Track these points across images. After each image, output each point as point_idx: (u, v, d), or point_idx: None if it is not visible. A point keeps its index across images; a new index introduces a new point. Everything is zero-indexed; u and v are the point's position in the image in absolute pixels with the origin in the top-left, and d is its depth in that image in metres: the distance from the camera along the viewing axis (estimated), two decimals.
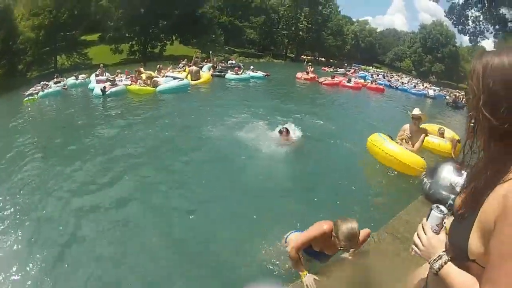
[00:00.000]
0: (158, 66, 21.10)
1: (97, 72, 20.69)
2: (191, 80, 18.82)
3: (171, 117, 11.44)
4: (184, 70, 21.27)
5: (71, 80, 20.38)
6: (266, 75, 24.71)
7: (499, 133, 1.27)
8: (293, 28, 65.55)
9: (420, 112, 8.15)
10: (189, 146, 8.51)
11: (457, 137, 10.22)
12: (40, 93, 17.25)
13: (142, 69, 19.58)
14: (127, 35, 43.81)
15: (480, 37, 32.86)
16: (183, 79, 17.55)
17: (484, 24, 31.41)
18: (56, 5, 34.65)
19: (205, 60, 27.71)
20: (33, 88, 18.47)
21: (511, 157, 1.25)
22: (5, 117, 13.78)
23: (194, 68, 19.91)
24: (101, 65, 22.38)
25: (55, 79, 20.18)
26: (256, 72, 24.35)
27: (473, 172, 1.44)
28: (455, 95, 33.48)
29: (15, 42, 36.50)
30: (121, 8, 42.68)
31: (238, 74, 22.52)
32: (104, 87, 15.26)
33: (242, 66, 25.56)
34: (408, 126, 8.27)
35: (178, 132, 9.72)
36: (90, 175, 6.81)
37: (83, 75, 21.49)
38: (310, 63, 31.27)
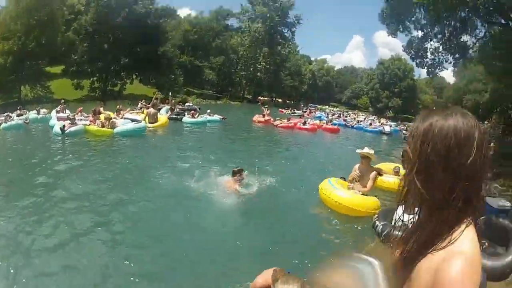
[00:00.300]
0: (118, 106, 21.22)
1: (58, 108, 20.74)
2: (149, 122, 19.04)
3: (125, 161, 11.45)
4: (143, 112, 21.37)
5: (32, 114, 20.54)
6: (222, 119, 25.07)
7: (429, 205, 1.22)
8: (251, 69, 66.33)
9: (367, 151, 8.28)
10: (139, 192, 8.35)
11: None
12: (3, 125, 17.29)
13: (101, 109, 19.84)
14: (89, 70, 43.68)
15: (439, 69, 32.40)
16: (140, 122, 17.82)
17: (444, 54, 31.15)
18: (25, 31, 34.60)
19: (165, 101, 28.09)
20: None
21: (443, 224, 1.18)
22: None
23: (152, 110, 20.13)
24: (62, 101, 22.66)
25: (18, 111, 20.36)
26: (213, 116, 24.72)
27: (406, 233, 1.35)
28: None
29: None
30: (85, 42, 42.97)
31: (194, 118, 22.78)
32: (64, 126, 15.23)
33: (198, 110, 25.96)
34: (358, 165, 8.39)
35: (130, 177, 9.62)
36: (38, 212, 6.74)
37: (44, 110, 21.57)
38: (266, 106, 31.75)
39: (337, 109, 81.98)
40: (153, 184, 8.92)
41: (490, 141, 20.40)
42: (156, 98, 24.58)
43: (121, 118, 18.64)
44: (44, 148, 13.52)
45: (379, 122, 43.94)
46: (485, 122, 56.89)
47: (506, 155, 15.76)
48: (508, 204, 7.33)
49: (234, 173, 8.39)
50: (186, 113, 24.33)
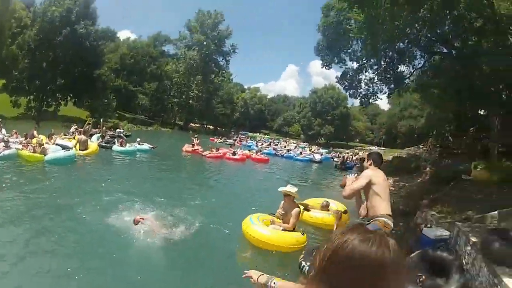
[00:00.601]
0: (51, 131, 20.68)
1: None
2: (79, 149, 18.86)
3: (51, 191, 10.94)
4: (74, 138, 21.25)
5: None
6: (152, 148, 24.97)
7: None
8: (183, 96, 67.24)
9: (289, 189, 8.40)
10: (59, 224, 8.05)
11: (342, 209, 10.47)
12: None
13: (35, 133, 19.76)
14: (27, 88, 43.02)
15: (373, 99, 31.92)
16: (70, 149, 17.56)
17: (378, 85, 30.85)
18: None
19: (97, 126, 28.00)
20: None
21: None
22: None
23: (83, 137, 19.90)
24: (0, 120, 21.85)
25: None
26: (143, 145, 24.42)
27: None
28: (343, 156, 35.07)
29: None
30: (27, 58, 42.34)
31: (123, 146, 22.56)
32: None
33: (125, 139, 25.67)
34: (282, 203, 8.54)
35: (53, 208, 9.17)
36: None
37: None
38: (196, 135, 31.61)
39: (268, 136, 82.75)
40: (75, 217, 8.64)
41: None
42: (89, 124, 24.30)
43: (53, 143, 18.30)
44: None
45: (310, 150, 45.15)
46: (421, 146, 59.23)
47: (442, 180, 15.58)
48: (445, 233, 7.55)
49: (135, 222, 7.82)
50: (115, 141, 24.14)
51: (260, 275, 2.19)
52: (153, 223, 7.93)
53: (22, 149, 16.21)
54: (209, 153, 26.35)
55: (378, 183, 5.17)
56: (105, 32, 56.07)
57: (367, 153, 6.87)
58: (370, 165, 5.40)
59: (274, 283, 2.04)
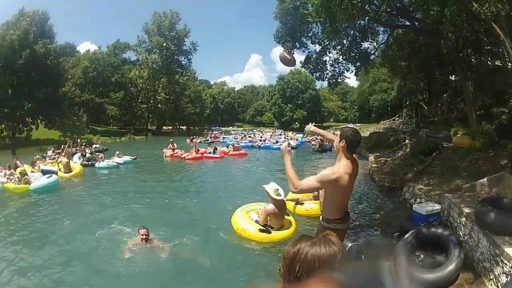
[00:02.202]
0: (33, 158, 21.07)
1: None
2: (64, 172, 18.86)
3: (39, 220, 10.81)
4: (57, 161, 21.08)
5: None
6: (133, 159, 25.23)
7: None
8: (151, 101, 66.60)
9: (267, 188, 8.51)
10: (49, 253, 7.94)
11: None
12: None
13: (18, 162, 19.38)
14: None
15: (340, 78, 32.69)
16: (52, 175, 17.00)
17: (344, 64, 31.39)
18: None
19: (73, 145, 27.90)
20: None
21: None
22: None
23: (64, 160, 19.85)
24: None
25: None
26: (122, 157, 24.45)
27: None
28: (320, 139, 33.66)
29: None
30: None
31: (104, 161, 22.55)
32: None
33: (103, 150, 25.99)
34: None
35: (41, 237, 9.17)
36: None
37: None
38: (171, 139, 31.26)
39: (241, 129, 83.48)
40: (65, 242, 8.65)
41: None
42: (69, 145, 24.28)
43: (38, 170, 18.38)
44: None
45: (285, 136, 45.84)
46: (396, 118, 59.32)
47: (424, 150, 15.28)
48: (436, 206, 7.41)
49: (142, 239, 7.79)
50: (94, 157, 24.46)
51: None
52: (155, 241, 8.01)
53: (7, 182, 16.11)
54: (187, 155, 26.55)
55: (342, 185, 3.97)
56: (64, 48, 54.88)
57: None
58: (343, 147, 4.04)
59: None
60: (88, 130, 52.79)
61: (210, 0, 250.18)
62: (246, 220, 8.64)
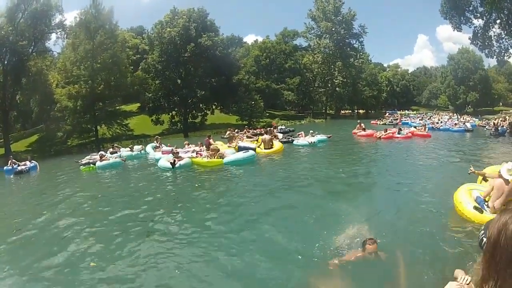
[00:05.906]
0: (228, 132, 23.93)
1: (157, 144, 21.78)
2: (264, 148, 19.09)
3: (237, 195, 10.35)
4: (257, 140, 21.73)
5: (125, 152, 21.11)
6: (328, 137, 24.72)
7: None
8: (329, 85, 65.30)
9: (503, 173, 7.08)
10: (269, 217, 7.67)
11: None
12: (98, 164, 17.65)
13: (211, 141, 19.85)
14: (166, 105, 45.43)
15: (506, 55, 32.31)
16: (249, 150, 17.14)
17: (507, 40, 30.84)
18: (89, 74, 36.48)
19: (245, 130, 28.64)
20: (89, 157, 19.39)
21: None
22: (87, 187, 13.73)
23: (267, 137, 20.10)
24: (157, 137, 23.75)
25: (111, 149, 21.55)
26: (316, 136, 23.77)
27: None
28: (494, 123, 33.59)
29: (52, 109, 40.19)
30: (157, 79, 44.82)
31: (304, 139, 22.88)
32: (174, 161, 15.48)
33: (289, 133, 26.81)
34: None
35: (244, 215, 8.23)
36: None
37: (138, 147, 22.57)
38: (359, 121, 31.57)
39: (419, 112, 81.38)
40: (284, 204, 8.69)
41: None
42: (271, 127, 25.91)
43: (235, 147, 19.23)
44: (156, 183, 13.52)
45: (462, 119, 45.00)
46: None
47: None
48: None
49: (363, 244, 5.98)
50: (291, 136, 25.31)
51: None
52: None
53: (196, 156, 17.07)
54: (383, 135, 26.00)
55: None
56: (231, 39, 56.63)
57: None
58: None
59: None
60: (267, 114, 54.39)
61: None
62: (467, 197, 7.44)
